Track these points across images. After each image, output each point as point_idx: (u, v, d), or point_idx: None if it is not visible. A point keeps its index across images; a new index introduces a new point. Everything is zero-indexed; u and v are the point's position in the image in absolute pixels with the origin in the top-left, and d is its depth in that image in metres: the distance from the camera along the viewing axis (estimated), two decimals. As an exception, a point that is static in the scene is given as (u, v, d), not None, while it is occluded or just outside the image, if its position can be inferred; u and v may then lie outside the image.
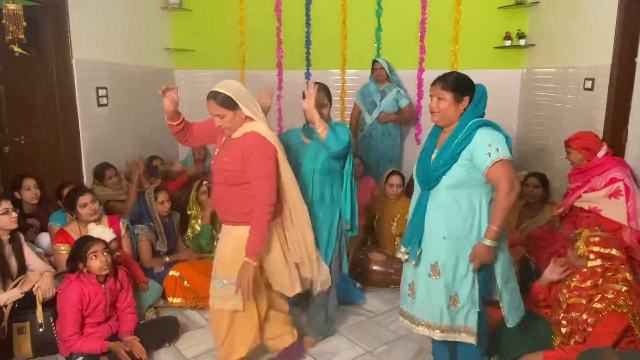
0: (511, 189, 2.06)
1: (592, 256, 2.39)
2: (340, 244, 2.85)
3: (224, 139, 2.48)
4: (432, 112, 2.21)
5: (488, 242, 2.08)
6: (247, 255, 2.30)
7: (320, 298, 2.82)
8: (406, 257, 2.28)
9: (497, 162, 2.05)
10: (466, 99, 2.17)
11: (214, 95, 2.35)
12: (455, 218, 2.15)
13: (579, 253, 2.43)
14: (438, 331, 2.23)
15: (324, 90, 2.78)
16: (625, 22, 3.46)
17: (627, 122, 3.53)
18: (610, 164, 3.22)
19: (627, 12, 3.45)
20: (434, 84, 2.21)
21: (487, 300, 2.31)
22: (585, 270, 2.42)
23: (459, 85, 2.17)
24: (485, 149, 2.07)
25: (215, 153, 2.50)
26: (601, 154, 3.27)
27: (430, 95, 2.22)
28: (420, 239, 2.22)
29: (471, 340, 2.21)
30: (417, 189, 2.30)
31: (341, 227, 2.83)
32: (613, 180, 3.15)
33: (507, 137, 2.15)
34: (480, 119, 2.16)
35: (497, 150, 2.06)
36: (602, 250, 2.40)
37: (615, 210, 3.12)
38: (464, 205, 2.13)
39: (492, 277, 2.24)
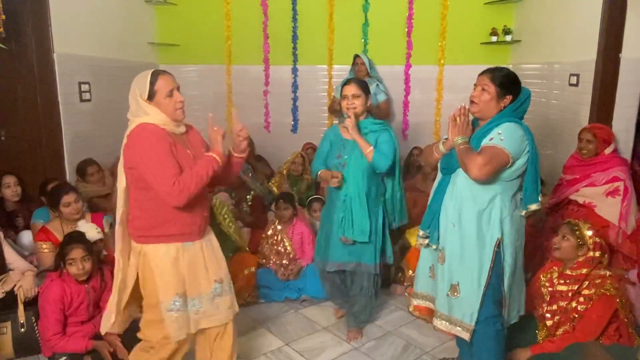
0: (475, 166, 1.98)
1: (591, 246, 2.45)
2: (385, 237, 2.91)
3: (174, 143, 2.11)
4: (471, 102, 2.18)
5: (460, 139, 2.09)
6: None
7: (367, 288, 2.91)
8: (425, 241, 2.30)
9: (490, 145, 2.04)
10: (509, 97, 2.14)
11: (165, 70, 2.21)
12: (467, 208, 2.14)
13: (580, 242, 2.46)
14: (438, 319, 2.25)
15: (359, 84, 2.77)
16: (610, 18, 3.49)
17: (611, 117, 3.57)
18: (614, 161, 3.24)
19: (612, 8, 3.48)
20: (482, 74, 2.18)
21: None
22: (581, 259, 2.46)
23: (506, 82, 2.13)
24: (494, 134, 2.06)
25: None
26: (609, 150, 3.28)
27: (475, 85, 2.20)
28: (437, 223, 2.24)
29: (465, 336, 2.18)
30: (439, 176, 2.31)
31: (386, 220, 2.88)
32: (615, 179, 3.17)
33: (533, 151, 2.12)
34: (517, 120, 2.14)
35: (501, 139, 2.03)
36: (602, 242, 2.49)
37: (609, 209, 3.15)
38: (480, 198, 2.12)
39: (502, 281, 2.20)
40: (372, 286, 2.92)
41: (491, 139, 2.05)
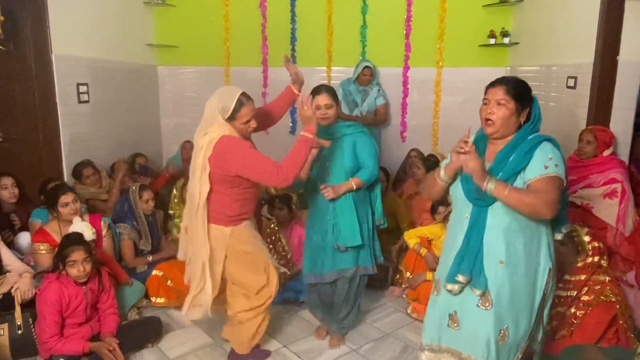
0: (548, 205, 1.77)
1: (590, 252, 2.45)
2: (375, 237, 2.89)
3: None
4: (487, 120, 1.91)
5: (491, 184, 1.79)
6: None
7: (353, 293, 2.86)
8: (457, 287, 1.94)
9: (551, 175, 1.82)
10: (526, 111, 1.93)
11: (248, 96, 2.38)
12: (515, 240, 1.88)
13: (579, 248, 2.46)
14: None
15: (331, 93, 2.71)
16: (608, 21, 3.51)
17: (609, 120, 3.59)
18: (612, 163, 3.26)
19: (610, 10, 3.50)
20: (493, 86, 1.93)
21: None
22: (580, 264, 2.46)
23: (523, 93, 1.91)
24: (545, 160, 1.84)
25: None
26: (607, 152, 3.29)
27: (486, 99, 1.94)
28: (482, 264, 1.91)
29: None
30: (459, 210, 2.01)
31: (374, 223, 2.86)
32: (613, 181, 3.18)
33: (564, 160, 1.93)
34: (543, 134, 1.95)
35: (556, 166, 1.83)
36: (600, 245, 2.48)
37: (607, 210, 3.16)
38: (526, 227, 1.89)
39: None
40: (358, 294, 2.89)
41: (546, 167, 1.83)
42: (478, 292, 1.90)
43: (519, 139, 1.91)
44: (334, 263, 2.79)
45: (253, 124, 2.37)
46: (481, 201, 1.90)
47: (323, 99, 2.66)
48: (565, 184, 1.89)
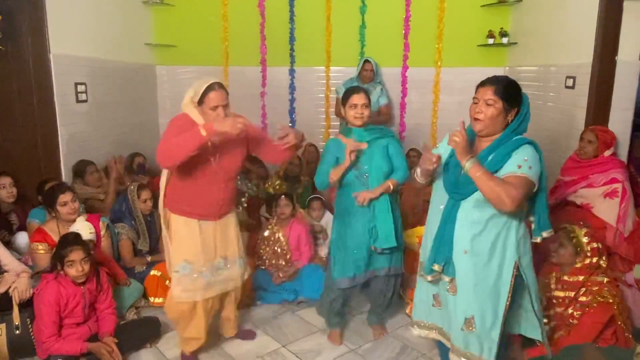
0: (510, 198, 1.81)
1: (589, 253, 2.45)
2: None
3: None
4: (475, 119, 1.97)
5: (470, 163, 1.86)
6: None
7: (390, 292, 2.91)
8: (438, 276, 2.06)
9: (522, 175, 1.87)
10: (514, 111, 1.96)
11: (222, 86, 2.43)
12: (480, 233, 1.96)
13: (578, 249, 2.46)
14: (455, 355, 2.07)
15: (366, 93, 2.71)
16: (606, 21, 3.51)
17: (607, 120, 3.60)
18: (613, 163, 3.26)
19: (608, 11, 3.50)
20: (483, 85, 1.97)
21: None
22: (578, 265, 2.46)
23: (512, 94, 1.95)
24: (520, 161, 1.89)
25: (217, 156, 2.46)
26: (608, 153, 3.30)
27: (476, 99, 1.98)
28: (451, 253, 2.02)
29: None
30: (437, 200, 2.11)
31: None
32: (613, 181, 3.19)
33: (544, 173, 1.98)
34: (526, 137, 1.98)
35: (530, 168, 1.88)
36: (599, 246, 2.48)
37: (607, 210, 3.16)
38: (496, 221, 1.95)
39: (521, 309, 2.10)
40: (395, 291, 2.94)
41: (519, 167, 1.88)
42: (447, 278, 2.04)
43: (502, 139, 1.96)
44: (369, 264, 2.79)
45: (221, 112, 2.37)
46: (456, 194, 2.00)
47: (360, 98, 2.66)
48: (536, 187, 1.94)
